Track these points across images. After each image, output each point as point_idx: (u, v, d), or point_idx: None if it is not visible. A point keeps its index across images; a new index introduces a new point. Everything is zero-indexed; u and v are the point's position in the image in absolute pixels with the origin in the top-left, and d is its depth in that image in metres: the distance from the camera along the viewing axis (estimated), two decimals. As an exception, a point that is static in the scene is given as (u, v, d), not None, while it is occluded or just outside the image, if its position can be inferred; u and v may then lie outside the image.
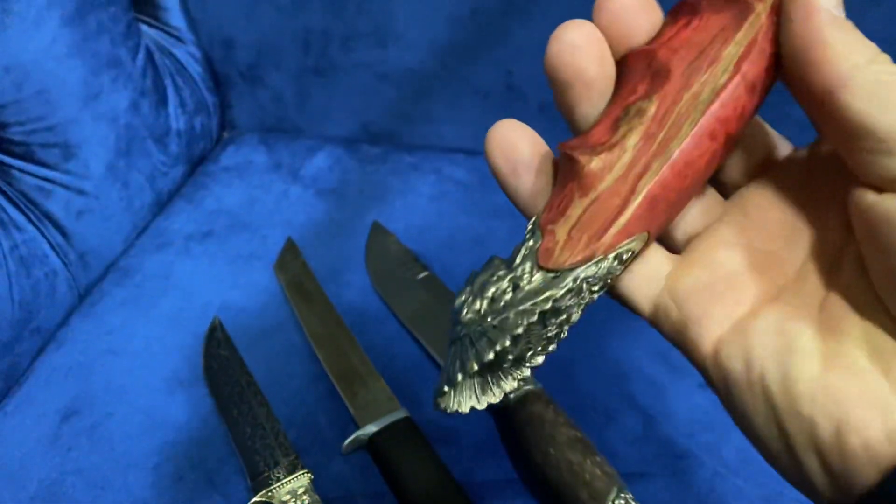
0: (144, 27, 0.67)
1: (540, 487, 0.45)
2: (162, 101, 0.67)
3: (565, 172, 0.25)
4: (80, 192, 0.59)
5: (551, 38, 0.24)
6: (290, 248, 0.62)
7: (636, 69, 0.24)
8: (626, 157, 0.23)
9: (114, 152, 0.61)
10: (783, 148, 0.27)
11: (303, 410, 0.51)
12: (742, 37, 0.23)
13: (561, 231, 0.24)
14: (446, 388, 0.25)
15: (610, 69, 0.24)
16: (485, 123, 0.76)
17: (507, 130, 0.27)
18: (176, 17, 0.70)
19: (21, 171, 0.56)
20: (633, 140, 0.23)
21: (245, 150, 0.75)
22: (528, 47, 0.63)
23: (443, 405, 0.25)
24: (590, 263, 0.24)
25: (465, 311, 0.25)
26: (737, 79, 0.23)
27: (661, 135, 0.23)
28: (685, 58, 0.23)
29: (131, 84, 0.62)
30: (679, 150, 0.23)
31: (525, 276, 0.24)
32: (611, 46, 0.24)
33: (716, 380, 0.24)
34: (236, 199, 0.69)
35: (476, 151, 0.72)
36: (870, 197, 0.21)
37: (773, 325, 0.23)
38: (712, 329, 0.24)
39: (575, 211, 0.24)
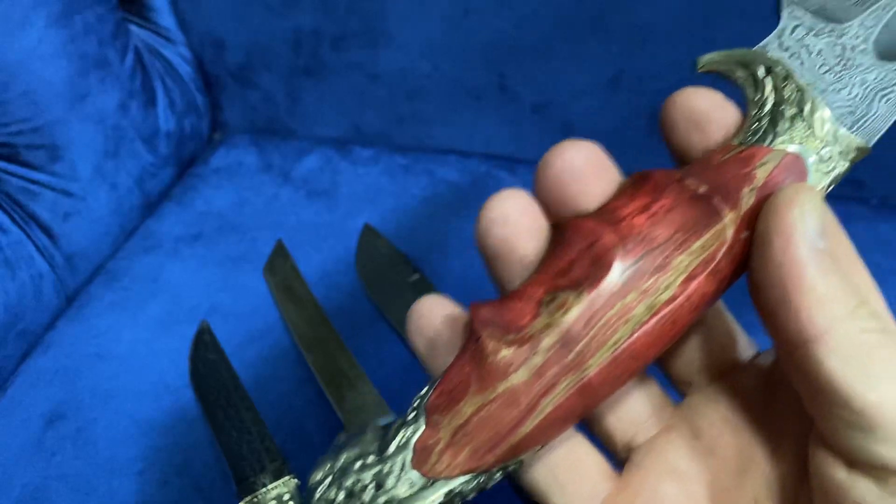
0: (133, 27, 0.67)
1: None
2: (151, 101, 0.66)
3: (470, 347, 0.22)
4: (67, 193, 0.58)
5: (482, 209, 0.22)
6: (280, 251, 0.62)
7: (575, 244, 0.21)
8: (536, 361, 0.20)
9: (101, 154, 0.60)
10: (746, 349, 0.24)
11: (291, 415, 0.50)
12: (699, 247, 0.20)
13: (446, 428, 0.21)
14: None
15: (545, 241, 0.22)
16: (478, 124, 0.75)
17: (428, 309, 0.24)
18: (165, 18, 0.69)
19: (6, 172, 0.55)
20: (548, 341, 0.20)
21: (235, 151, 0.74)
22: (521, 49, 0.62)
23: None
24: (469, 477, 0.21)
25: (318, 494, 0.22)
26: (680, 300, 0.20)
27: (580, 346, 0.20)
28: (631, 253, 0.20)
29: (119, 85, 0.62)
30: (595, 371, 0.20)
31: (393, 475, 0.21)
32: (554, 209, 0.22)
33: None
34: (226, 200, 0.68)
35: (469, 152, 0.71)
36: (839, 474, 0.18)
37: None
38: None
39: (467, 407, 0.21)
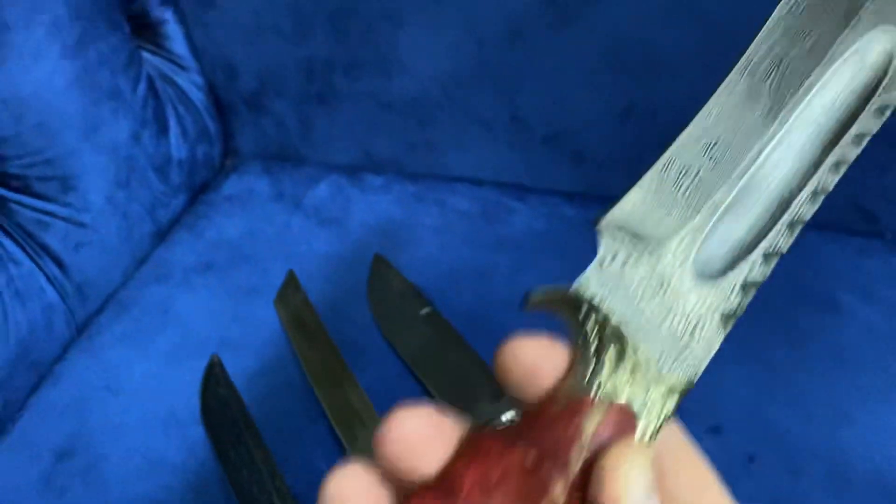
0: (146, 54, 0.67)
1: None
2: (163, 130, 0.66)
3: None
4: (79, 224, 0.58)
5: (320, 491, 0.21)
6: (291, 282, 0.61)
7: None
8: None
9: (113, 184, 0.60)
10: None
11: (301, 452, 0.50)
12: None
13: None
14: None
15: None
16: (489, 153, 0.75)
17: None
18: (179, 45, 0.70)
19: (19, 203, 0.55)
20: None
21: (247, 178, 0.74)
22: (534, 80, 0.62)
23: None
24: None
25: None
26: None
27: None
28: None
29: (132, 114, 0.62)
30: None
31: None
32: (396, 478, 0.21)
33: None
34: (238, 229, 0.68)
35: (480, 180, 0.71)
36: None
37: None
38: None
39: None
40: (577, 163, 0.65)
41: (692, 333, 0.21)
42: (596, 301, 0.21)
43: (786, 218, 0.22)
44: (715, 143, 0.23)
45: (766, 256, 0.22)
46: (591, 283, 0.22)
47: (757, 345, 0.53)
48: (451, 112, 0.67)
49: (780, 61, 0.23)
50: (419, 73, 0.66)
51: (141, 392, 0.54)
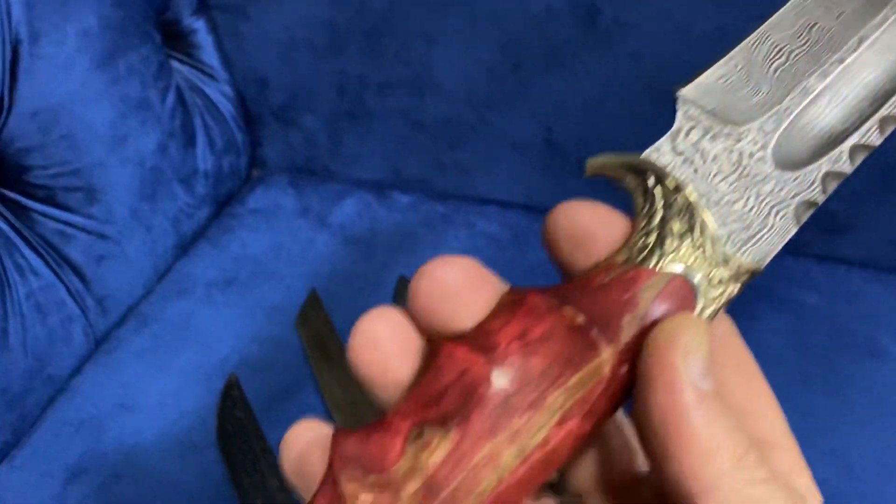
0: (176, 63, 0.66)
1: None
2: (190, 141, 0.65)
3: (328, 486, 0.19)
4: (102, 236, 0.57)
5: (352, 330, 0.20)
6: (314, 302, 0.60)
7: (447, 371, 0.19)
8: None
9: (138, 196, 0.60)
10: (643, 462, 0.22)
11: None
12: (576, 384, 0.18)
13: None
14: None
15: (416, 360, 0.20)
16: (521, 176, 0.73)
17: (297, 434, 0.22)
18: (210, 55, 0.69)
19: (42, 214, 0.55)
20: (412, 486, 0.18)
21: (273, 191, 0.73)
22: (571, 104, 0.61)
23: None
24: None
25: None
26: (553, 444, 0.18)
27: (445, 495, 0.18)
28: (505, 386, 0.18)
29: (159, 126, 0.61)
30: None
31: None
32: (427, 329, 0.20)
33: None
34: (262, 245, 0.67)
35: (511, 204, 0.69)
36: None
37: None
38: None
39: None
40: (611, 189, 0.64)
41: (766, 219, 0.20)
42: (667, 171, 0.20)
43: (881, 113, 0.21)
44: (813, 26, 0.21)
45: (854, 150, 0.21)
46: (663, 153, 0.21)
47: (794, 389, 0.51)
48: (483, 134, 0.66)
49: None
50: (452, 94, 0.65)
51: (157, 411, 0.53)
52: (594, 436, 0.19)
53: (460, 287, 0.20)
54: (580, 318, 0.19)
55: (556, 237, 0.21)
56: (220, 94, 0.70)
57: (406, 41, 0.62)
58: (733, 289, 0.20)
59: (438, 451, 0.18)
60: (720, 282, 0.19)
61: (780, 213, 0.20)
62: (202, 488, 0.49)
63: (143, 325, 0.60)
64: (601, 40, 0.57)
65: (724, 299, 0.20)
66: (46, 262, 0.55)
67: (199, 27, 0.68)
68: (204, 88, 0.69)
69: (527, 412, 0.18)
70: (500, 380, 0.18)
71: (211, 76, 0.69)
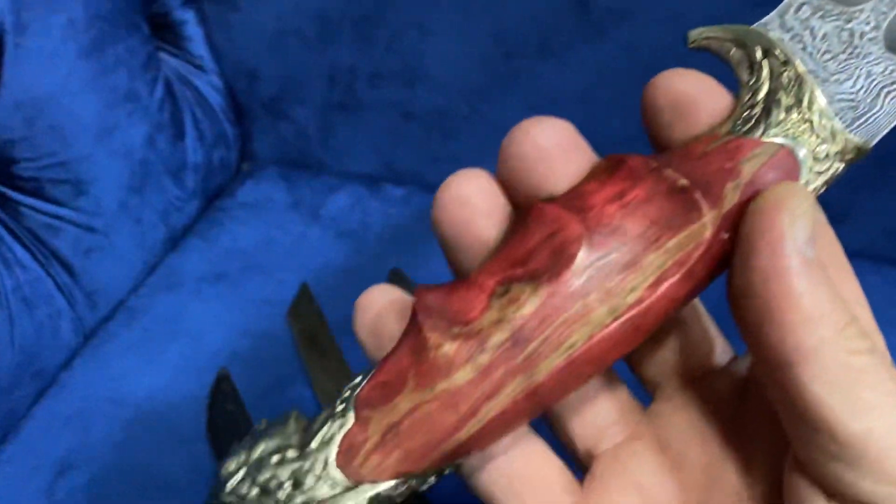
0: (164, 55, 0.65)
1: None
2: (179, 134, 0.65)
3: (410, 337, 0.19)
4: (90, 229, 0.57)
5: (440, 189, 0.20)
6: (305, 295, 0.60)
7: (537, 231, 0.19)
8: (483, 359, 0.18)
9: (127, 189, 0.59)
10: (721, 353, 0.22)
11: (309, 476, 0.48)
12: (675, 246, 0.18)
13: (377, 426, 0.19)
14: None
15: (503, 222, 0.20)
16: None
17: (372, 298, 0.23)
18: (199, 47, 0.68)
19: (29, 207, 0.54)
20: (498, 337, 0.18)
21: (264, 185, 0.72)
22: (564, 94, 0.60)
23: None
24: (397, 482, 0.19)
25: (228, 486, 0.20)
26: (647, 303, 0.18)
27: (532, 347, 0.18)
28: (598, 246, 0.18)
29: (148, 118, 0.60)
30: (546, 375, 0.18)
31: (313, 474, 0.19)
32: (517, 192, 0.20)
33: None
34: (252, 238, 0.66)
35: (503, 196, 0.69)
36: (816, 503, 0.17)
37: None
38: None
39: (403, 404, 0.19)
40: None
41: (875, 99, 0.20)
42: (776, 44, 0.20)
43: None
44: None
45: None
46: (771, 27, 0.20)
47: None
48: (476, 124, 0.66)
49: None
50: (445, 84, 0.64)
51: (146, 405, 0.53)
52: (688, 300, 0.19)
53: (555, 148, 0.19)
54: (683, 181, 0.18)
55: (657, 105, 0.20)
56: (210, 86, 0.70)
57: (397, 31, 0.62)
58: (838, 167, 0.19)
59: (527, 305, 0.18)
60: (826, 157, 0.19)
61: (891, 96, 0.20)
62: (192, 482, 0.48)
63: (133, 318, 0.59)
64: (594, 29, 0.56)
65: (828, 176, 0.19)
66: (34, 256, 0.54)
67: (188, 18, 0.67)
68: (193, 80, 0.68)
69: (621, 272, 0.18)
70: (595, 239, 0.18)
71: (200, 68, 0.69)
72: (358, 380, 0.20)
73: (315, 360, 0.54)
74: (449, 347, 0.19)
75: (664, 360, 0.22)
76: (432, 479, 0.20)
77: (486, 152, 0.70)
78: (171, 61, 0.66)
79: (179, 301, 0.61)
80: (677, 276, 0.18)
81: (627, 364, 0.24)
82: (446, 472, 0.20)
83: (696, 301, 0.22)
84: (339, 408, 0.20)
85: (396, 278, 0.61)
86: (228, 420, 0.51)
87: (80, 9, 0.53)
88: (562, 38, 0.58)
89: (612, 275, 0.18)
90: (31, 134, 0.52)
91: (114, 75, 0.56)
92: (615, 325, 0.18)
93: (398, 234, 0.66)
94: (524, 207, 0.20)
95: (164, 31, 0.65)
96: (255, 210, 0.70)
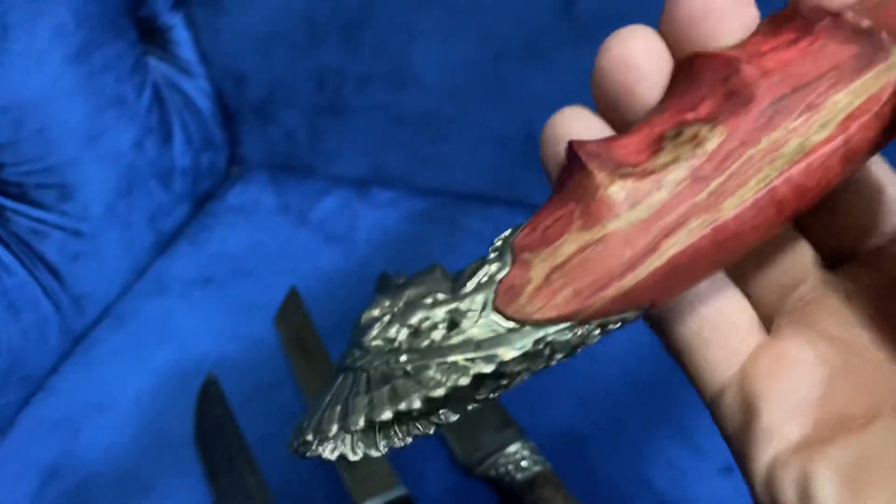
0: (153, 60, 0.65)
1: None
2: (167, 138, 0.65)
3: (570, 184, 0.18)
4: (77, 234, 0.57)
5: (602, 48, 0.19)
6: (293, 299, 0.59)
7: (704, 78, 0.18)
8: (660, 197, 0.17)
9: (114, 193, 0.59)
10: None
11: (296, 480, 0.48)
12: (861, 87, 0.17)
13: (539, 267, 0.18)
14: (310, 437, 0.19)
15: (668, 71, 0.19)
16: (503, 171, 0.73)
17: (565, 121, 0.21)
18: (187, 50, 0.68)
19: (15, 212, 0.54)
20: (676, 175, 0.17)
21: (253, 189, 0.72)
22: (551, 97, 0.60)
23: (301, 450, 0.19)
24: (565, 326, 0.18)
25: (373, 332, 0.19)
26: (836, 142, 0.17)
27: (716, 183, 0.17)
28: (777, 86, 0.17)
29: (136, 122, 0.60)
30: (733, 214, 0.17)
31: (471, 314, 0.18)
32: (681, 50, 0.19)
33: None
34: (241, 242, 0.66)
35: (492, 197, 0.69)
36: None
37: (848, 458, 0.17)
38: (775, 443, 0.19)
39: (568, 246, 0.18)
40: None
41: None
42: None
43: None
44: None
45: None
46: None
47: None
48: (464, 128, 0.66)
49: None
50: (432, 87, 0.64)
51: (134, 410, 0.53)
52: (874, 150, 0.18)
53: (725, 4, 0.18)
54: (866, 22, 0.17)
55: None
56: (198, 90, 0.69)
57: (385, 34, 0.62)
58: None
59: (707, 142, 0.17)
60: None
61: None
62: (180, 487, 0.48)
63: (120, 323, 0.59)
64: (580, 32, 0.56)
65: None
66: (20, 260, 0.54)
67: (176, 22, 0.67)
68: (181, 85, 0.68)
69: (804, 113, 0.17)
70: (772, 81, 0.17)
71: (188, 72, 0.69)
72: (509, 231, 0.19)
73: (303, 365, 0.54)
74: (620, 186, 0.18)
75: (849, 223, 0.21)
76: (596, 334, 0.18)
77: (474, 155, 0.70)
78: (159, 65, 0.66)
79: (167, 305, 0.61)
80: (866, 118, 0.17)
81: (805, 236, 0.22)
82: (611, 326, 0.18)
83: (880, 161, 0.20)
84: (492, 255, 0.19)
85: (385, 282, 0.61)
86: (216, 425, 0.51)
87: (68, 13, 0.53)
88: (548, 41, 0.58)
89: (796, 114, 0.17)
90: (16, 138, 0.51)
91: (101, 79, 0.56)
92: (804, 162, 0.17)
93: (387, 238, 0.66)
94: (688, 58, 0.19)
95: (152, 36, 0.65)
96: (244, 214, 0.70)
